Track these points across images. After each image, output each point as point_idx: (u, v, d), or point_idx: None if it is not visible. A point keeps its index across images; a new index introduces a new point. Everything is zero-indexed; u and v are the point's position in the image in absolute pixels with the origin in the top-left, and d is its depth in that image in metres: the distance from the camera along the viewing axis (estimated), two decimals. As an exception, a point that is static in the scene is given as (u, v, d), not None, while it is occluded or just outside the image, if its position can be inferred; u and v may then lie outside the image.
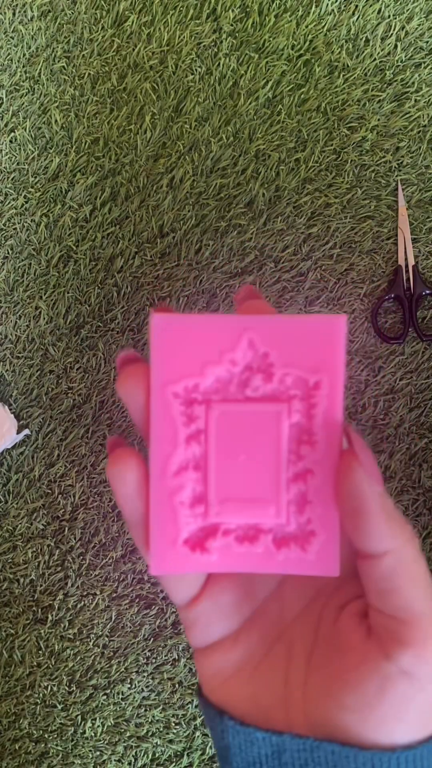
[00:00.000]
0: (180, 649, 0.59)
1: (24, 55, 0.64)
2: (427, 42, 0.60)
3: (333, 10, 0.61)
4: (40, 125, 0.63)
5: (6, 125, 0.63)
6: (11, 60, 0.64)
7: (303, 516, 0.25)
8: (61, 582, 0.60)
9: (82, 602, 0.60)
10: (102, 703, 0.59)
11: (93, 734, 0.59)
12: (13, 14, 0.64)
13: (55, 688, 0.60)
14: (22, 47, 0.64)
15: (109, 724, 0.59)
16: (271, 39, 0.61)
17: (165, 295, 0.61)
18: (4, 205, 0.63)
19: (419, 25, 0.60)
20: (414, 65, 0.60)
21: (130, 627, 0.59)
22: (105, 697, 0.59)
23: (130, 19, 0.62)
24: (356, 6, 0.61)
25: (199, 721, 0.59)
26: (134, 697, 0.59)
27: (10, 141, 0.63)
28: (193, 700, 0.59)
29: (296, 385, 0.24)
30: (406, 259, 0.59)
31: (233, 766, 0.26)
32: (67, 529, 0.60)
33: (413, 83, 0.60)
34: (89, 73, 0.63)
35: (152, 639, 0.59)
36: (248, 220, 0.61)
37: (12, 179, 0.63)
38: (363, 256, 0.60)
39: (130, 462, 0.24)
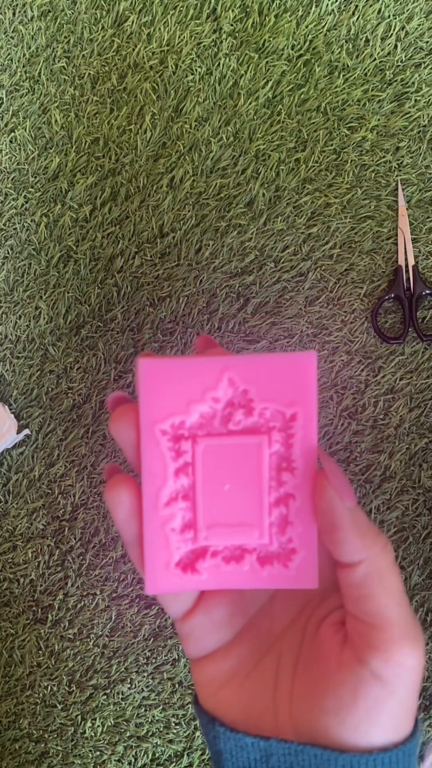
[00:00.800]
0: (180, 649, 0.59)
1: (24, 55, 0.64)
2: (427, 42, 0.60)
3: (333, 10, 0.61)
4: (40, 125, 0.63)
5: (6, 125, 0.64)
6: (11, 60, 0.64)
7: (284, 536, 0.26)
8: (61, 582, 0.60)
9: (82, 602, 0.60)
10: (102, 703, 0.59)
11: (93, 734, 0.59)
12: (13, 14, 0.64)
13: (55, 688, 0.60)
14: (22, 47, 0.64)
15: (109, 724, 0.59)
16: (271, 39, 0.61)
17: (165, 295, 0.61)
18: (4, 205, 0.63)
19: (419, 25, 0.60)
20: (414, 65, 0.60)
21: (130, 627, 0.59)
22: (105, 697, 0.59)
23: (130, 19, 0.62)
24: (356, 6, 0.61)
25: (198, 721, 0.59)
26: (134, 697, 0.59)
27: (10, 141, 0.63)
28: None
29: (274, 418, 0.26)
30: (406, 259, 0.59)
31: None
32: (67, 529, 0.60)
33: (413, 83, 0.60)
34: (89, 73, 0.63)
35: (152, 639, 0.59)
36: (248, 220, 0.61)
37: (12, 179, 0.63)
38: (363, 256, 0.60)
39: (125, 488, 0.26)
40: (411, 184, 0.60)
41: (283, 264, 0.60)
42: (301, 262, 0.60)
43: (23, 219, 0.63)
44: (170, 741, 0.59)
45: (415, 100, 0.60)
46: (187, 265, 0.61)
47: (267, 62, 0.61)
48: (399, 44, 0.60)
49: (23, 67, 0.64)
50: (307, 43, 0.61)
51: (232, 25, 0.62)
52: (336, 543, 0.25)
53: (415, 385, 0.59)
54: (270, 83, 0.61)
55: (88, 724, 0.59)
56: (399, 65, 0.60)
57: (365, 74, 0.61)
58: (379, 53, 0.61)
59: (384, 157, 0.60)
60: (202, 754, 0.58)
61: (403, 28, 0.60)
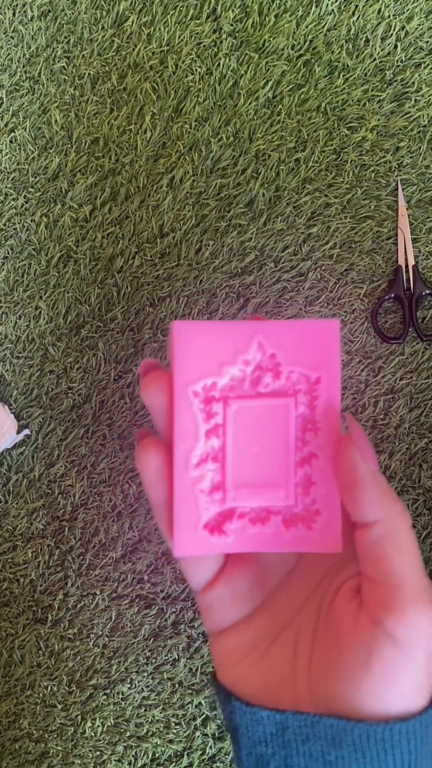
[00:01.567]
0: (180, 649, 0.59)
1: (24, 55, 0.64)
2: (427, 42, 0.60)
3: (333, 10, 0.61)
4: (40, 125, 0.63)
5: (6, 125, 0.64)
6: (11, 60, 0.64)
7: (308, 497, 0.27)
8: (61, 582, 0.60)
9: (82, 602, 0.60)
10: (102, 703, 0.59)
11: (93, 734, 0.59)
12: (13, 14, 0.64)
13: (55, 688, 0.60)
14: (22, 47, 0.64)
15: (109, 724, 0.59)
16: (271, 39, 0.61)
17: (165, 295, 0.61)
18: (4, 205, 0.63)
19: (419, 25, 0.60)
20: (414, 65, 0.60)
21: (130, 627, 0.59)
22: (105, 697, 0.59)
23: (130, 19, 0.62)
24: (356, 6, 0.61)
25: (199, 721, 0.59)
26: (134, 697, 0.59)
27: (10, 141, 0.63)
28: (193, 700, 0.59)
29: (300, 381, 0.27)
30: (406, 259, 0.59)
31: (241, 746, 0.27)
32: (67, 529, 0.60)
33: (413, 83, 0.60)
34: (89, 73, 0.63)
35: (152, 639, 0.59)
36: (248, 220, 0.61)
37: (12, 179, 0.63)
38: (363, 256, 0.60)
39: (155, 450, 0.27)
40: (411, 184, 0.60)
41: (283, 264, 0.60)
42: (301, 262, 0.60)
43: (23, 219, 0.63)
44: (170, 741, 0.59)
45: (415, 100, 0.60)
46: (187, 265, 0.61)
47: (267, 62, 0.61)
48: (399, 44, 0.60)
49: (23, 67, 0.64)
50: (307, 43, 0.61)
51: (232, 25, 0.62)
52: (355, 501, 0.25)
53: (415, 385, 0.59)
54: (270, 83, 0.61)
55: (88, 724, 0.59)
56: (399, 65, 0.60)
57: (365, 74, 0.61)
58: (379, 53, 0.61)
59: (384, 157, 0.60)
60: (202, 754, 0.58)
61: (403, 28, 0.60)
